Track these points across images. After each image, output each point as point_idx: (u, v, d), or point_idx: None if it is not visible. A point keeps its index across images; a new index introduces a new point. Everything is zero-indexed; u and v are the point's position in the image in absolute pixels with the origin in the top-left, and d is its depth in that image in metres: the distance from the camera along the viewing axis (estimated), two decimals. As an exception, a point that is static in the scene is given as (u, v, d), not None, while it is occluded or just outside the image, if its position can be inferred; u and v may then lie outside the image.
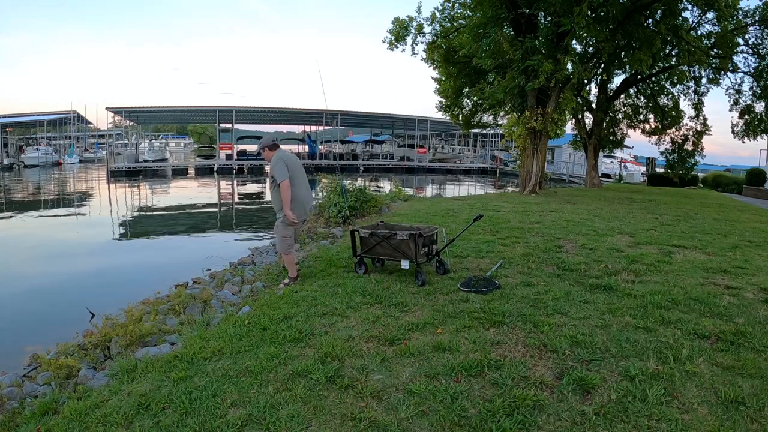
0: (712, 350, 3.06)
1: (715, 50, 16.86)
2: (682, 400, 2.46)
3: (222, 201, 22.83)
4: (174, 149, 65.03)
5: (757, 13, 16.34)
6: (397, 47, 17.70)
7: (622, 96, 21.57)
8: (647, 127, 22.32)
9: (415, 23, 17.35)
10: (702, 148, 21.33)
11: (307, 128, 51.13)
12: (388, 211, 10.73)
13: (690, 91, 20.48)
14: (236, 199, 23.80)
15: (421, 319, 3.68)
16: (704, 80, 19.68)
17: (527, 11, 13.70)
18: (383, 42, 17.75)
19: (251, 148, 46.83)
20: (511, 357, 2.99)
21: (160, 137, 68.86)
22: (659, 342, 3.16)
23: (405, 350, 3.13)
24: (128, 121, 48.71)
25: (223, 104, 47.62)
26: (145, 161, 40.27)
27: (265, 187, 30.32)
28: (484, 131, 40.96)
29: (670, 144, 21.89)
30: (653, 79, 20.25)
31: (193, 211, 18.58)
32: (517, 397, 2.49)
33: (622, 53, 15.93)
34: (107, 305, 6.62)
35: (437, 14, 17.23)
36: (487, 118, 21.35)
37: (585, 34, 13.74)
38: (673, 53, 17.59)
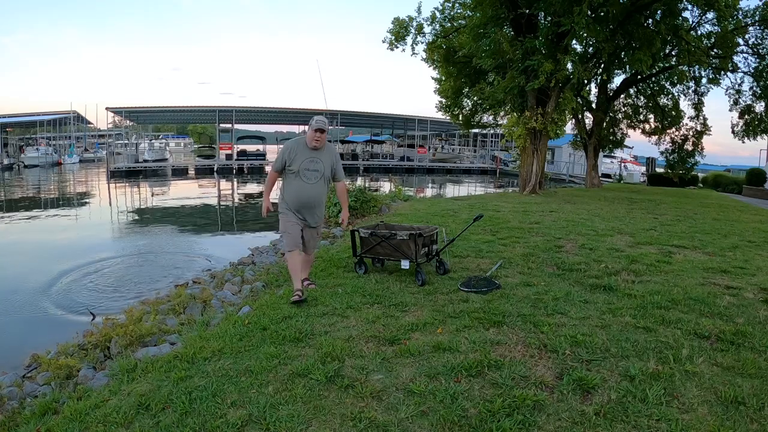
0: (712, 350, 3.05)
1: (715, 50, 16.85)
2: (682, 400, 2.46)
3: (222, 201, 22.83)
4: (174, 149, 65.05)
5: (757, 13, 16.33)
6: (397, 47, 17.69)
7: (622, 96, 21.56)
8: (647, 127, 22.32)
9: (415, 23, 17.35)
10: (702, 148, 21.33)
11: (307, 128, 50.95)
12: (388, 211, 10.73)
13: (690, 91, 20.49)
14: (236, 199, 23.80)
15: (421, 319, 3.68)
16: (704, 80, 19.69)
17: (527, 11, 13.69)
18: (383, 42, 17.75)
19: (251, 148, 46.85)
20: (511, 357, 2.99)
21: (160, 137, 68.84)
22: (659, 342, 3.16)
23: (405, 350, 3.12)
24: (128, 121, 48.75)
25: (223, 104, 47.67)
26: (145, 161, 40.29)
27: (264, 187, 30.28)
28: (484, 131, 40.96)
29: (670, 144, 21.86)
30: (653, 79, 20.24)
31: (193, 211, 18.58)
32: (517, 397, 2.49)
33: (622, 53, 15.92)
34: (107, 305, 6.64)
35: (437, 14, 17.22)
36: (487, 118, 21.34)
37: (585, 34, 13.73)
38: (673, 53, 17.58)
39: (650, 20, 15.01)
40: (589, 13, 12.38)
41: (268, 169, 40.39)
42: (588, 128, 21.08)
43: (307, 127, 4.50)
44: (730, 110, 19.15)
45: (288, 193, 4.51)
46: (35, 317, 6.32)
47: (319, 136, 4.37)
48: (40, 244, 11.33)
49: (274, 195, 4.77)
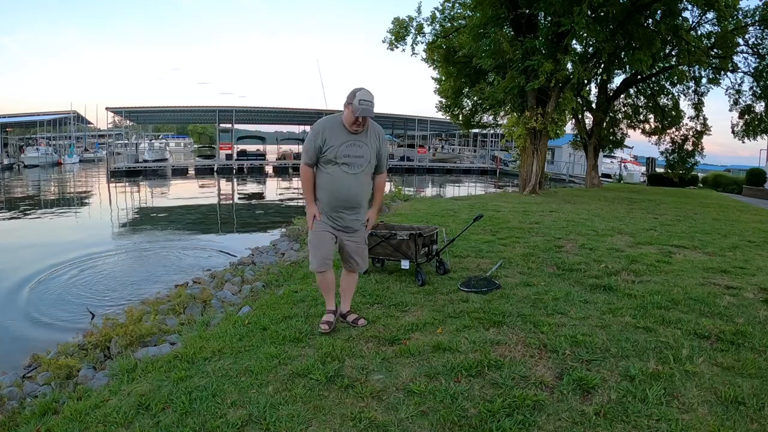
0: (712, 350, 3.05)
1: (715, 50, 16.85)
2: (682, 400, 2.46)
3: (222, 201, 22.83)
4: (174, 149, 65.11)
5: (757, 13, 16.34)
6: (397, 47, 17.70)
7: (622, 96, 21.56)
8: (647, 127, 22.33)
9: (415, 23, 17.35)
10: (702, 148, 21.34)
11: (307, 128, 51.16)
12: (388, 211, 10.73)
13: (690, 91, 20.49)
14: (236, 199, 23.80)
15: (421, 319, 3.68)
16: (704, 80, 19.69)
17: (527, 11, 13.69)
18: (383, 42, 17.75)
19: (251, 148, 46.90)
20: (511, 357, 2.99)
21: (160, 137, 68.89)
22: (659, 342, 3.16)
23: (405, 350, 3.12)
24: (128, 121, 48.77)
25: (223, 104, 47.69)
26: (145, 161, 40.32)
27: (264, 187, 30.31)
28: (484, 131, 40.97)
29: (670, 144, 21.87)
30: (653, 79, 20.24)
31: (193, 211, 18.58)
32: (517, 397, 2.49)
33: (622, 53, 15.93)
34: (107, 305, 6.64)
35: (437, 14, 17.22)
36: (487, 118, 21.36)
37: (585, 34, 13.73)
38: (673, 53, 17.58)
39: (650, 20, 15.01)
40: (589, 13, 12.38)
41: (268, 169, 40.42)
42: (588, 128, 21.08)
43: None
44: (730, 110, 19.18)
45: (321, 189, 3.43)
46: (35, 317, 6.32)
47: (361, 123, 3.30)
48: (38, 244, 11.32)
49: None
